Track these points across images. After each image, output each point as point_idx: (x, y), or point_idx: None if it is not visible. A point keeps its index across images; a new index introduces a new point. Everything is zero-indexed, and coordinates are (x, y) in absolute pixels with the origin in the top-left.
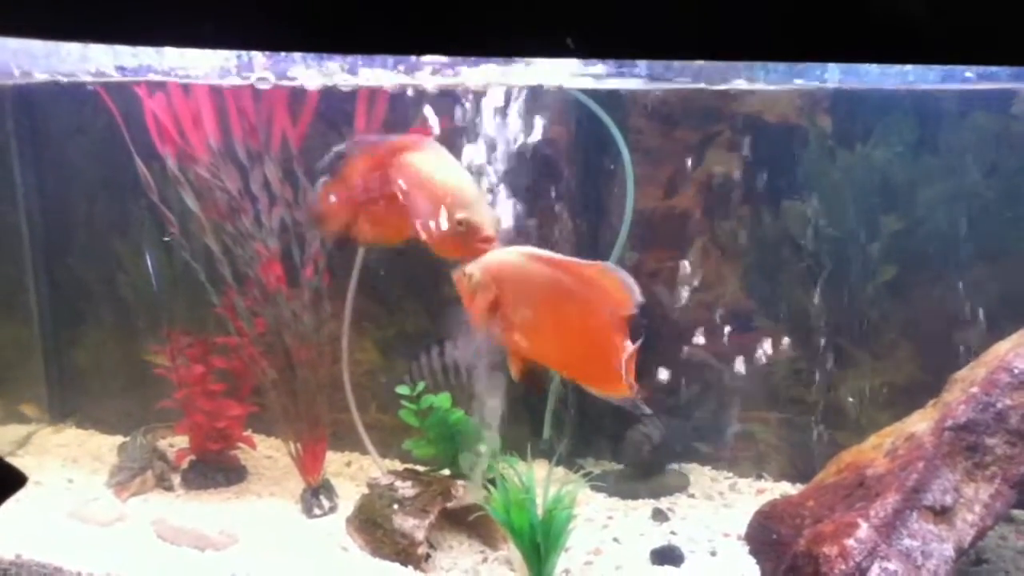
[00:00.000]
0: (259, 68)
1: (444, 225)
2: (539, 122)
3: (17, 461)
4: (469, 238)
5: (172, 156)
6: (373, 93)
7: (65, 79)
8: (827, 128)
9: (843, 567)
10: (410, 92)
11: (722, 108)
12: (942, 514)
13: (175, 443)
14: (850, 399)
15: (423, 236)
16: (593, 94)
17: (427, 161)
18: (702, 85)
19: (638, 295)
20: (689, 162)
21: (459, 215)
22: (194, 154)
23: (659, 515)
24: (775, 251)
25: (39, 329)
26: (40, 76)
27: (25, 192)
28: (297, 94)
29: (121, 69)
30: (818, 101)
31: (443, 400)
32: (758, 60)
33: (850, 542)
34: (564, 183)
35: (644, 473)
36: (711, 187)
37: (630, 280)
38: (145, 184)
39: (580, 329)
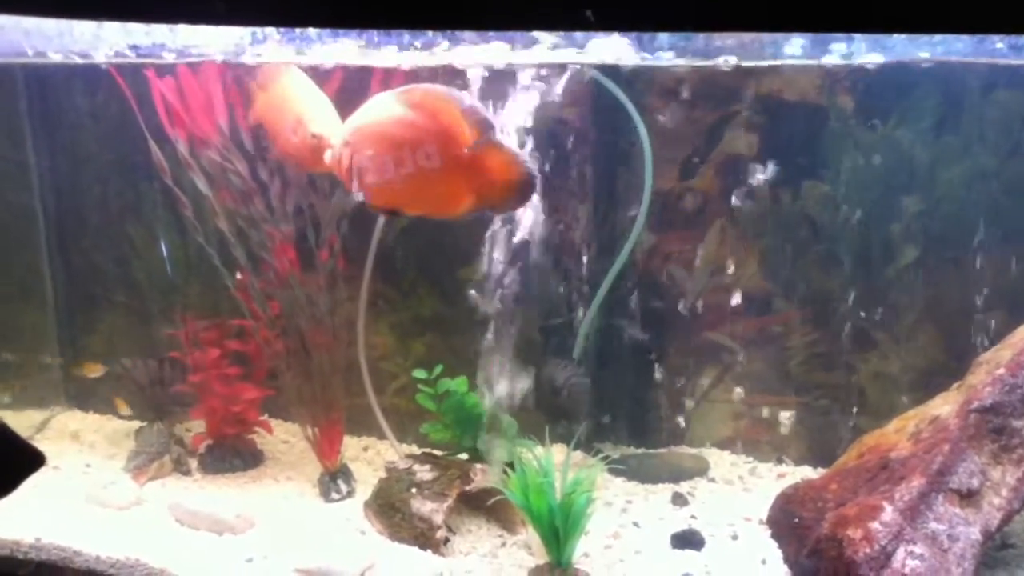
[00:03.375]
0: (273, 46)
1: (301, 139)
2: (555, 101)
3: (35, 446)
4: (323, 150)
5: (183, 139)
6: (388, 72)
7: (79, 59)
8: (848, 107)
9: (868, 550)
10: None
11: (741, 87)
12: (968, 497)
13: (192, 428)
14: (871, 382)
15: (286, 152)
16: (610, 73)
17: (286, 86)
18: (723, 60)
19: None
20: (707, 142)
21: (313, 130)
22: (205, 137)
23: (679, 499)
24: (794, 232)
25: (54, 314)
26: (54, 56)
27: (39, 175)
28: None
29: (135, 48)
30: (839, 80)
31: (460, 384)
32: (784, 31)
33: (875, 525)
34: (580, 163)
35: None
36: (729, 167)
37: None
38: (158, 167)
39: (430, 165)
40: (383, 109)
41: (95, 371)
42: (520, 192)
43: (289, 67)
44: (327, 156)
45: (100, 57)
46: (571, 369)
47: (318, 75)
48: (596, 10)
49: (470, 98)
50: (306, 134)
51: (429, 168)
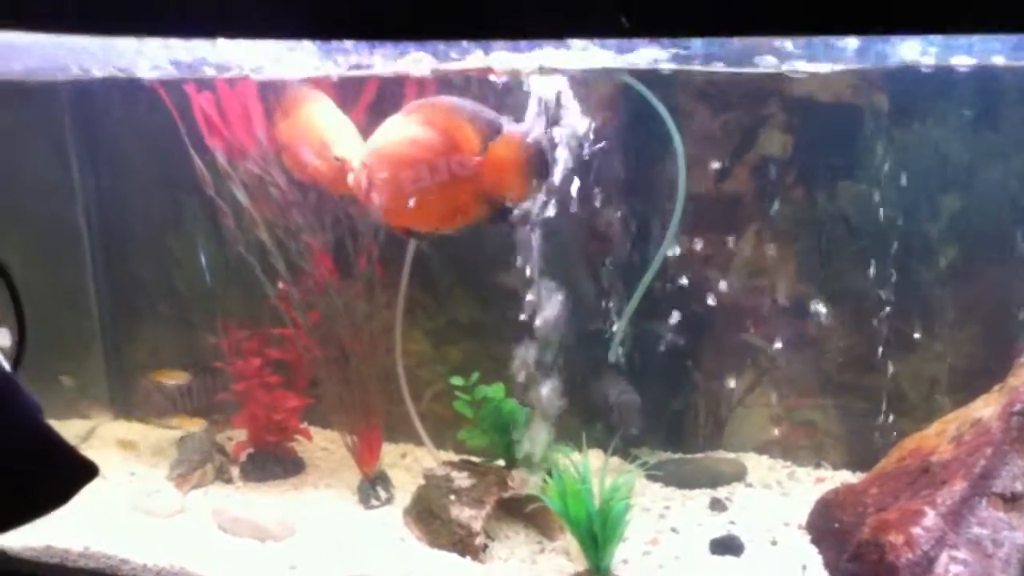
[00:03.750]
0: (310, 59)
1: (325, 162)
2: (587, 106)
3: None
4: (346, 173)
5: (222, 151)
6: (421, 81)
7: (122, 75)
8: (883, 106)
9: (910, 556)
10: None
11: (774, 89)
12: (1012, 501)
13: (233, 436)
14: (911, 384)
15: (313, 176)
16: (642, 77)
17: (310, 110)
18: (755, 68)
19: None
20: (741, 144)
21: (336, 153)
22: (243, 149)
23: (717, 504)
24: (831, 233)
25: (99, 324)
26: (98, 73)
27: (83, 189)
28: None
29: (176, 63)
30: (874, 80)
31: (496, 390)
32: (818, 35)
33: (917, 530)
34: (614, 167)
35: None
36: (764, 169)
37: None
38: (200, 179)
39: (443, 181)
40: (394, 130)
41: (176, 378)
42: (536, 172)
43: (312, 91)
44: (349, 179)
45: (142, 72)
46: (620, 384)
47: (353, 87)
48: (630, 17)
49: (473, 104)
50: (330, 158)
51: (443, 184)
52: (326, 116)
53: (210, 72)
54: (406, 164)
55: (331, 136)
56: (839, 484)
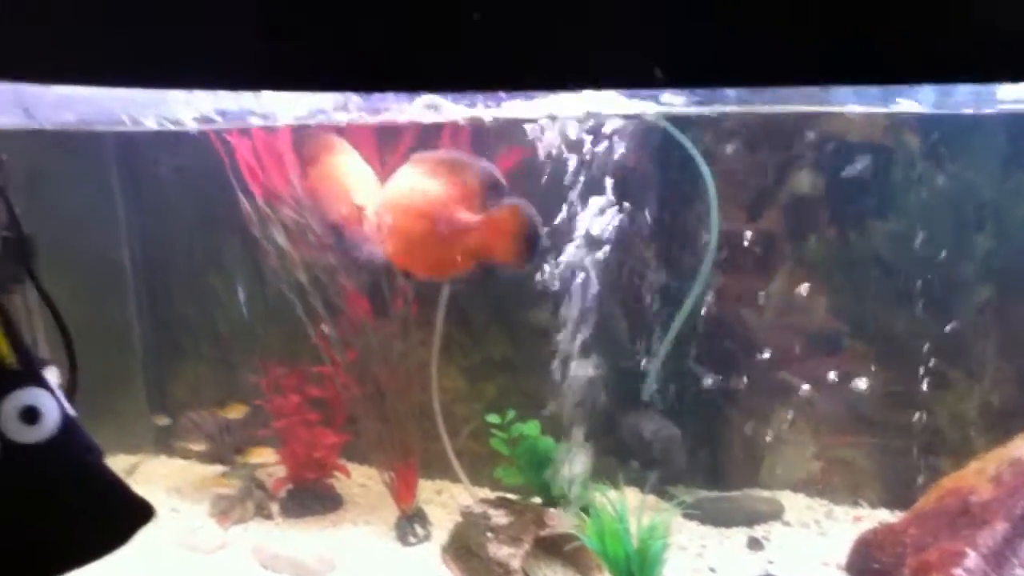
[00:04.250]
0: (353, 108)
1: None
2: (619, 148)
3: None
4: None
5: (261, 196)
6: (457, 127)
7: (172, 125)
8: (915, 146)
9: None
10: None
11: (804, 128)
12: None
13: (272, 472)
14: (948, 422)
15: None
16: (674, 119)
17: (335, 159)
18: (789, 107)
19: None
20: (772, 183)
21: (357, 201)
22: (279, 194)
23: (754, 543)
24: (864, 272)
25: (142, 362)
26: (148, 123)
27: (128, 231)
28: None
29: (222, 112)
30: (905, 120)
31: (532, 428)
32: (856, 84)
33: (959, 571)
34: (645, 207)
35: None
36: (795, 208)
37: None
38: (242, 221)
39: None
40: (403, 179)
41: (238, 412)
42: (527, 245)
43: (337, 139)
44: (365, 225)
45: (188, 121)
46: (658, 420)
47: (391, 133)
48: (664, 68)
49: (484, 161)
50: (352, 205)
51: (439, 236)
52: (349, 164)
53: (255, 121)
54: (408, 212)
55: (353, 184)
56: (877, 523)
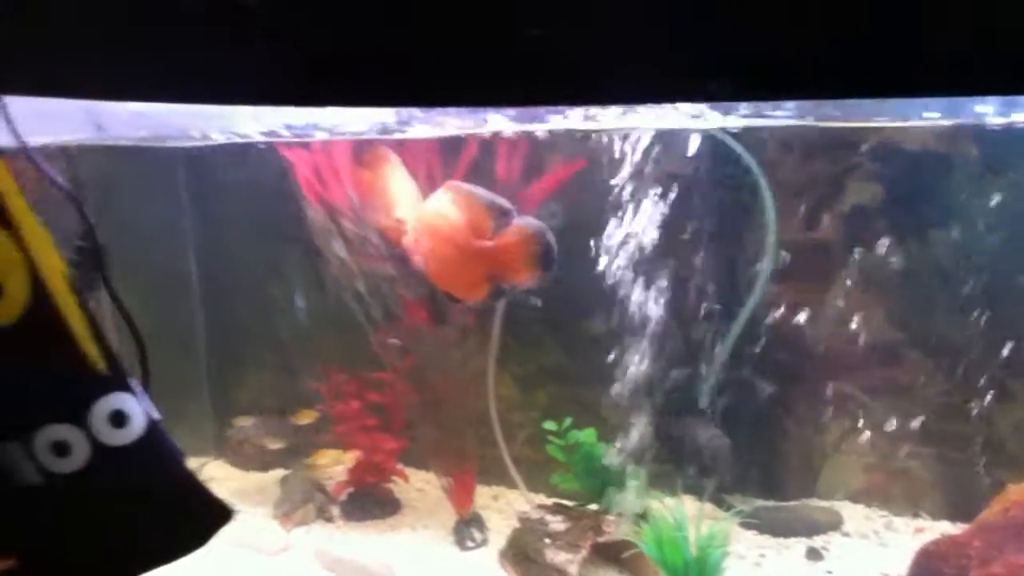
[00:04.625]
0: (416, 122)
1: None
2: (674, 158)
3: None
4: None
5: (322, 207)
6: (513, 141)
7: (240, 139)
8: (974, 154)
9: None
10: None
11: (860, 138)
12: None
13: (333, 476)
14: (1010, 433)
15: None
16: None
17: (386, 170)
18: (848, 123)
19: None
20: (829, 193)
21: (397, 214)
22: (338, 205)
23: (814, 554)
24: (924, 281)
25: (206, 369)
26: (217, 137)
27: (194, 241)
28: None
29: (289, 127)
30: (963, 128)
31: (588, 435)
32: (912, 96)
33: None
34: (701, 218)
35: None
36: (853, 217)
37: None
38: (304, 231)
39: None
40: (433, 201)
41: (308, 418)
42: (539, 263)
43: (383, 153)
44: (404, 239)
45: (255, 134)
46: (711, 428)
47: (450, 146)
48: (721, 82)
49: (488, 193)
50: (392, 217)
51: (459, 259)
52: (396, 177)
53: (319, 135)
54: (431, 233)
55: (397, 197)
56: (939, 535)
